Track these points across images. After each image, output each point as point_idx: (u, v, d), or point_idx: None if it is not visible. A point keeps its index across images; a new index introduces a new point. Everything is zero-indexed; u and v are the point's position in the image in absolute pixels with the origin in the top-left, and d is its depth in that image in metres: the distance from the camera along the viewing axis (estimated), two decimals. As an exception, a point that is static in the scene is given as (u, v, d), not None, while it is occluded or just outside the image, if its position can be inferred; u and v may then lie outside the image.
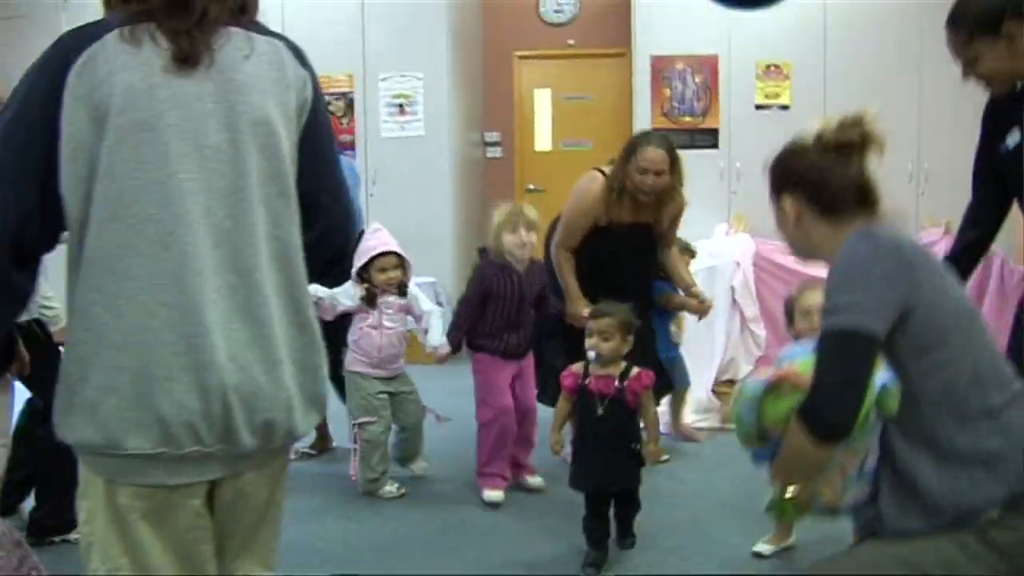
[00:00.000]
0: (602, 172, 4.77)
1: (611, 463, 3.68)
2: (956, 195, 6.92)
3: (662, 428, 5.37)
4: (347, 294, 4.48)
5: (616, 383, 3.67)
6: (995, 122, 3.09)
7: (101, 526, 1.77)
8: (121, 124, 1.68)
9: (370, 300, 4.53)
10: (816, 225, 2.16)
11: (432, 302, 4.83)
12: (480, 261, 4.68)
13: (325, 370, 1.92)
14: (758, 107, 7.43)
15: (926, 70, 7.19)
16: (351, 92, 8.04)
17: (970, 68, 2.87)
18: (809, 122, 2.22)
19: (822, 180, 2.14)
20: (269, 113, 1.79)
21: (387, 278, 4.51)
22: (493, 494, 4.44)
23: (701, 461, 5.07)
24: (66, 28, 1.80)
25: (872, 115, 2.17)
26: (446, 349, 4.54)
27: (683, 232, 7.06)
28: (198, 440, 1.72)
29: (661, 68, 7.63)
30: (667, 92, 7.61)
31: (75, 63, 1.70)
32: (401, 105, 7.96)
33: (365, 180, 7.94)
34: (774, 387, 2.01)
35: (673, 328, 5.26)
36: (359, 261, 4.45)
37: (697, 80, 7.59)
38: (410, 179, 7.96)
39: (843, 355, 1.93)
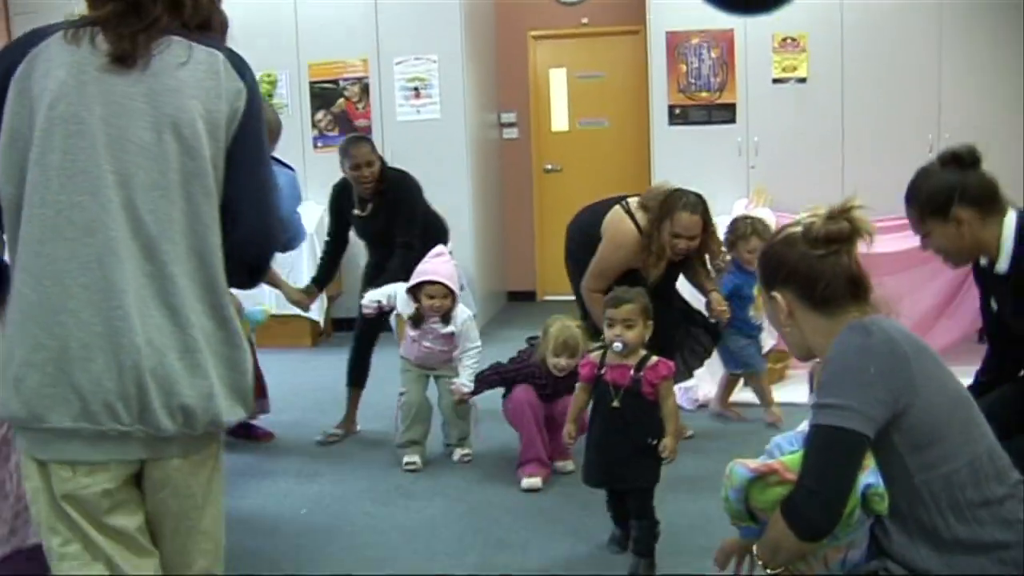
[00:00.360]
0: (629, 212, 4.84)
1: (624, 458, 3.51)
2: (977, 165, 6.99)
3: (710, 404, 5.47)
4: (404, 303, 4.80)
5: (632, 373, 3.53)
6: (982, 284, 3.27)
7: (44, 507, 1.88)
8: (53, 116, 1.81)
9: (416, 320, 4.79)
10: (809, 319, 2.17)
11: (477, 338, 4.91)
12: (525, 350, 4.77)
13: (248, 364, 1.97)
14: (775, 81, 7.39)
15: (945, 41, 7.14)
16: (366, 77, 8.04)
17: (927, 242, 3.02)
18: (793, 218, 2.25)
19: (812, 275, 2.14)
20: (194, 117, 1.86)
21: (430, 305, 4.69)
22: (530, 481, 4.45)
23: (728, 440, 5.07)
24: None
25: (858, 203, 2.16)
26: (468, 389, 4.76)
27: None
28: (116, 418, 1.81)
29: (676, 44, 7.60)
30: (683, 68, 7.57)
31: (24, 59, 1.85)
32: (416, 88, 7.95)
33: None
34: (761, 477, 2.05)
35: (752, 312, 5.18)
36: (413, 280, 4.68)
37: (713, 55, 7.55)
38: (427, 162, 7.91)
39: (830, 456, 1.97)
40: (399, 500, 4.38)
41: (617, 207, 4.93)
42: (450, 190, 7.86)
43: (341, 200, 5.49)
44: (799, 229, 2.18)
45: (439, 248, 4.90)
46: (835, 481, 1.95)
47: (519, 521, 4.05)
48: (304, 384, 5.22)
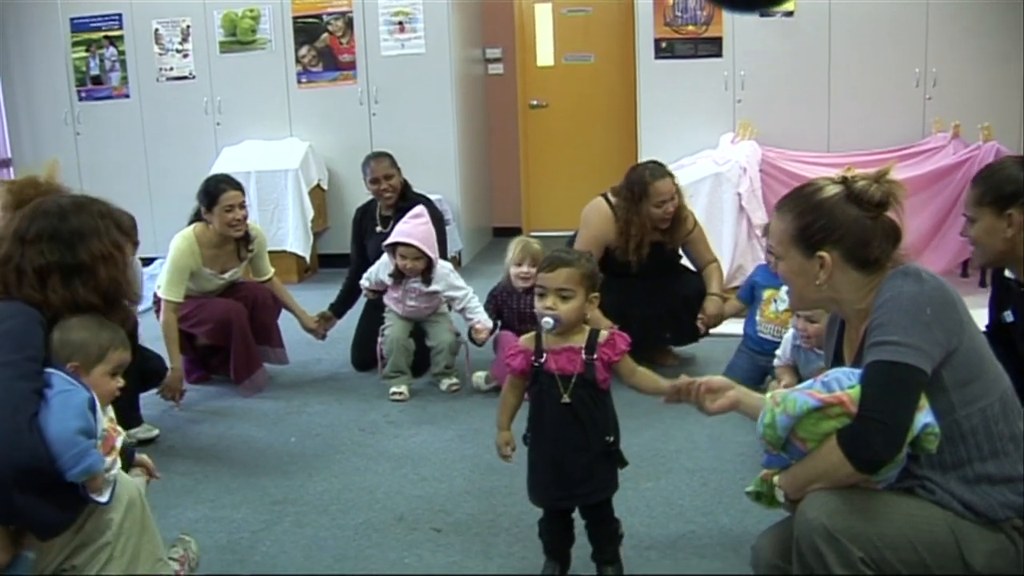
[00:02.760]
0: (606, 198, 4.96)
1: (584, 467, 2.80)
2: (963, 98, 7.00)
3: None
4: (385, 266, 4.91)
5: (583, 356, 2.79)
6: (998, 292, 3.24)
7: None
8: None
9: (396, 276, 4.88)
10: (849, 276, 2.23)
11: (462, 282, 5.00)
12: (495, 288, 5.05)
13: None
14: (762, 14, 7.33)
15: (933, -28, 7.12)
16: (350, 11, 7.97)
17: (968, 225, 2.95)
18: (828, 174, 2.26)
19: (866, 236, 2.20)
20: None
21: (403, 265, 4.80)
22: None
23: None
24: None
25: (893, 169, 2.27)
26: (490, 324, 4.86)
27: (687, 143, 7.12)
28: None
29: (663, -24, 7.55)
30: (669, 1, 7.53)
31: None
32: (401, 22, 7.88)
33: (368, 100, 7.93)
34: (824, 407, 2.07)
35: (760, 318, 4.94)
36: (389, 240, 4.83)
37: (700, -12, 7.51)
38: (412, 97, 7.93)
39: (892, 390, 2.03)
40: (387, 428, 4.43)
41: (596, 197, 5.05)
42: (435, 126, 7.88)
43: (363, 224, 5.58)
44: (840, 189, 2.24)
45: (418, 209, 4.96)
46: (899, 413, 2.02)
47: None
48: (287, 320, 5.25)
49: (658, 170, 4.84)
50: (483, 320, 4.84)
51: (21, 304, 2.40)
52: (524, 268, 4.77)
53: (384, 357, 4.97)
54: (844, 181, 2.26)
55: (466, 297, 4.89)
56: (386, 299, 5.01)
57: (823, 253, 2.21)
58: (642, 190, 4.77)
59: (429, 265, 4.80)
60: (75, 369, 2.38)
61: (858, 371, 2.10)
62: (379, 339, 5.01)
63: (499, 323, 4.93)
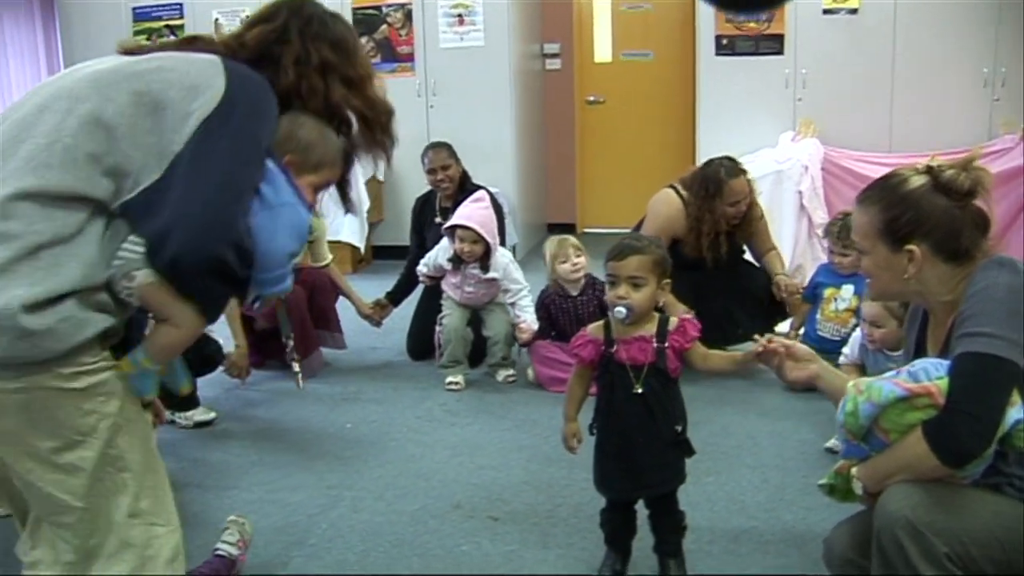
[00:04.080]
0: (676, 190, 4.91)
1: (654, 458, 2.76)
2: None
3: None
4: (445, 251, 4.90)
5: (655, 344, 2.73)
6: None
7: None
8: None
9: (455, 261, 4.85)
10: (938, 269, 2.16)
11: (522, 277, 4.96)
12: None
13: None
14: (825, 11, 7.22)
15: (1004, -30, 6.98)
16: (409, 3, 7.95)
17: None
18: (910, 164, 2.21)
19: (956, 227, 2.13)
20: None
21: (460, 248, 4.76)
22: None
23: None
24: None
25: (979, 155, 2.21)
26: (536, 327, 4.79)
27: (746, 141, 7.04)
28: None
29: (725, -28, 7.46)
30: (731, -5, 7.43)
31: None
32: (460, 15, 7.86)
33: (426, 92, 7.91)
34: (911, 398, 2.00)
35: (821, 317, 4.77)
36: (449, 222, 4.81)
37: (763, -16, 7.42)
38: (469, 91, 7.90)
39: (983, 383, 1.96)
40: (444, 417, 4.41)
41: (664, 188, 5.00)
42: (492, 119, 7.84)
43: (422, 215, 5.59)
44: (926, 180, 2.17)
45: (479, 193, 4.96)
46: (989, 407, 1.95)
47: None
48: (345, 308, 5.25)
49: (733, 168, 4.78)
50: (529, 321, 4.79)
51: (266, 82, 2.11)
52: (569, 264, 4.69)
53: (441, 346, 4.93)
54: (930, 171, 2.19)
55: (519, 293, 4.86)
56: (444, 285, 4.99)
57: (912, 246, 2.15)
58: (716, 188, 4.72)
59: (488, 251, 4.76)
60: (290, 164, 2.11)
61: (946, 362, 2.03)
62: (437, 328, 4.98)
63: (552, 332, 4.81)
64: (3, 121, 1.90)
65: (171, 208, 1.79)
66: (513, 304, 4.86)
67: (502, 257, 4.87)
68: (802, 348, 2.43)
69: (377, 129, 2.30)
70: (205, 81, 1.93)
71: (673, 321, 2.76)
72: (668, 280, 2.77)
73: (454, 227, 4.75)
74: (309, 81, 2.15)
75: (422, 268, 5.07)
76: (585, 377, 2.88)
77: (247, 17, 2.26)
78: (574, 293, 4.74)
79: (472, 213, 4.76)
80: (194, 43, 2.10)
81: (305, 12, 2.21)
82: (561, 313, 4.78)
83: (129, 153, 1.84)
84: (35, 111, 1.88)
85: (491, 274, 4.81)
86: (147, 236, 1.82)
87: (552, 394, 4.55)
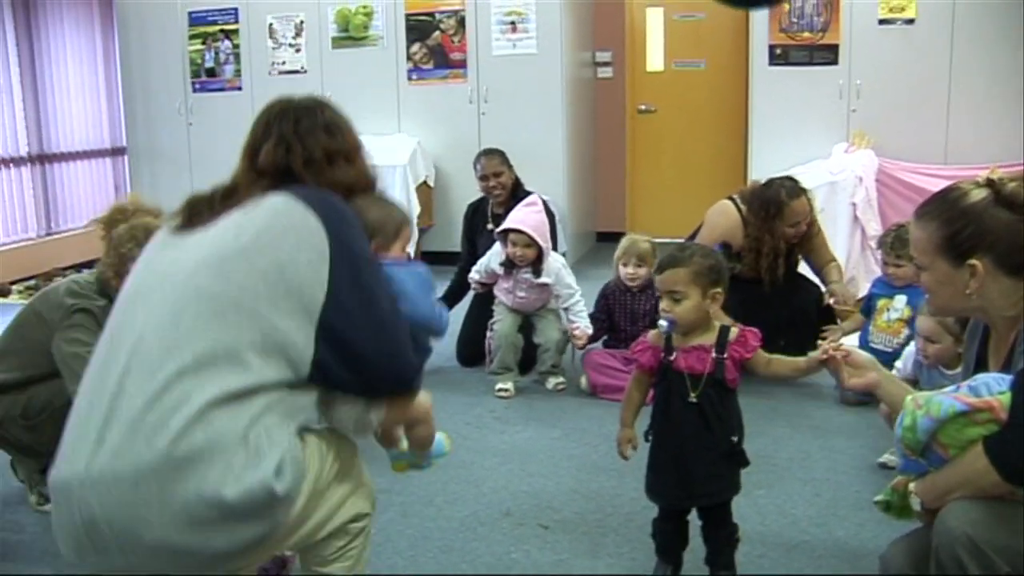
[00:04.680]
0: (735, 202, 4.92)
1: (707, 468, 2.77)
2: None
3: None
4: (497, 255, 4.92)
5: (713, 355, 2.74)
6: None
7: None
8: None
9: (507, 266, 4.87)
10: (1000, 283, 2.13)
11: (574, 281, 4.95)
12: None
13: None
14: (881, 21, 7.15)
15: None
16: (462, 10, 7.99)
17: None
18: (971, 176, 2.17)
19: (1018, 241, 2.10)
20: None
21: (512, 252, 4.76)
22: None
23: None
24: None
25: None
26: (591, 331, 4.80)
27: (798, 152, 7.00)
28: None
29: (780, -18, 7.43)
30: (786, 6, 7.38)
31: None
32: (513, 22, 7.88)
33: (478, 99, 7.94)
34: (971, 412, 1.97)
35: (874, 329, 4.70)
36: (502, 226, 4.82)
37: (818, -6, 7.37)
38: (522, 98, 7.91)
39: None
40: (493, 424, 4.42)
41: (723, 199, 5.01)
42: (544, 127, 7.85)
43: (474, 221, 5.61)
44: (987, 193, 2.14)
45: (532, 197, 4.97)
46: None
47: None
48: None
49: (794, 189, 4.76)
50: (583, 326, 4.79)
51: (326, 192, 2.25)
52: (630, 269, 4.79)
53: (492, 352, 4.95)
54: (991, 184, 2.16)
55: (572, 297, 4.85)
56: (496, 290, 5.00)
57: (974, 261, 2.12)
58: (777, 210, 4.71)
59: (540, 255, 4.77)
60: (377, 248, 2.38)
61: (1008, 377, 2.00)
62: (488, 333, 5.01)
63: (606, 325, 4.90)
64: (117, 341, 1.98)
65: (359, 357, 2.02)
66: (567, 309, 4.86)
67: (554, 262, 4.87)
68: (862, 355, 2.41)
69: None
70: (301, 223, 2.04)
71: (734, 331, 2.77)
72: (718, 290, 2.77)
73: (507, 231, 4.76)
74: (323, 175, 2.25)
75: (474, 275, 5.08)
76: (643, 383, 2.91)
77: (242, 149, 2.34)
78: (635, 290, 4.83)
79: (525, 217, 4.77)
80: (234, 195, 2.16)
81: (289, 114, 2.31)
82: (619, 307, 4.87)
83: (283, 327, 1.96)
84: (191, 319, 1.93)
85: (543, 279, 4.81)
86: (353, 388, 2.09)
87: (603, 402, 4.57)
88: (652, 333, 2.87)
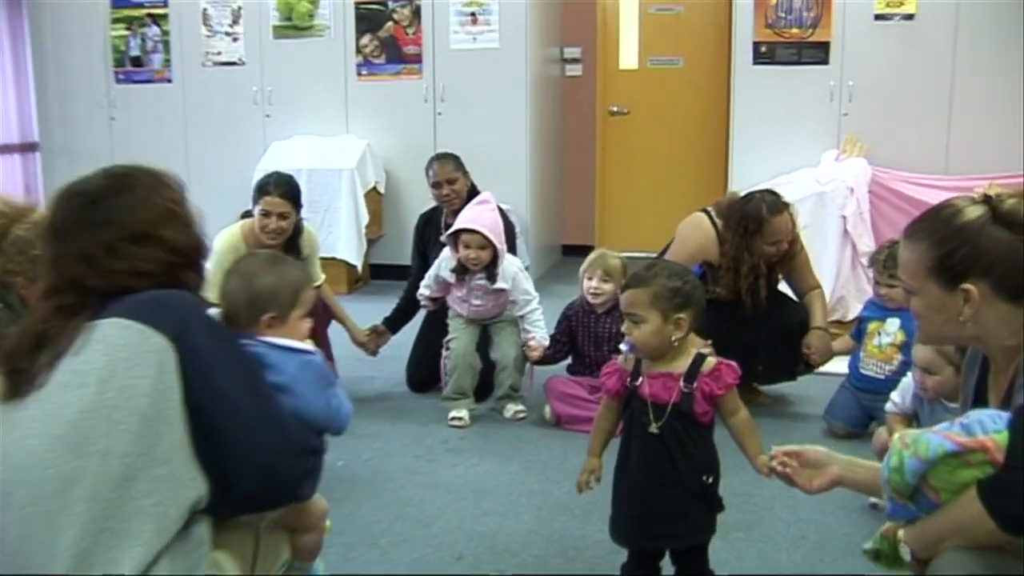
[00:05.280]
0: (709, 216, 4.91)
1: (670, 507, 2.76)
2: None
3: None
4: (448, 261, 4.88)
5: (681, 384, 2.75)
6: None
7: None
8: None
9: (459, 271, 4.82)
10: (997, 309, 2.10)
11: (532, 287, 4.97)
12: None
13: None
14: (878, 17, 7.21)
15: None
16: (418, -1, 8.00)
17: None
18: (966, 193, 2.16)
19: (1017, 263, 2.07)
20: None
21: (465, 256, 4.74)
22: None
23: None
24: None
25: None
26: (547, 343, 4.86)
27: (784, 159, 7.03)
28: None
29: (766, -27, 7.48)
30: (772, 0, 7.44)
31: None
32: (473, 14, 7.88)
33: (434, 97, 7.93)
34: (963, 453, 1.95)
35: (866, 355, 4.68)
36: (452, 228, 4.80)
37: (807, -14, 7.43)
38: (481, 96, 7.92)
39: None
40: (445, 457, 4.39)
41: (696, 212, 5.00)
42: (506, 129, 7.86)
43: (425, 234, 5.56)
44: (983, 211, 2.12)
45: (484, 195, 4.93)
46: None
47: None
48: (337, 333, 5.22)
49: (776, 204, 4.74)
50: (539, 337, 4.82)
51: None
52: (594, 282, 4.78)
53: (447, 373, 4.93)
54: (988, 200, 2.13)
55: (529, 305, 4.87)
56: (450, 300, 5.00)
57: (968, 285, 2.09)
58: (757, 226, 4.68)
59: (495, 258, 4.75)
60: (272, 323, 2.35)
61: (1006, 414, 1.98)
62: (443, 352, 4.99)
63: (567, 348, 4.92)
64: None
65: (228, 474, 2.01)
66: (523, 318, 4.86)
67: (510, 265, 4.85)
68: (814, 452, 2.38)
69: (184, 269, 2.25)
70: (140, 346, 1.97)
71: (709, 362, 2.77)
72: (681, 315, 2.74)
73: (457, 233, 4.73)
74: (138, 271, 2.12)
75: (423, 291, 5.06)
76: (613, 410, 2.93)
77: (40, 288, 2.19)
78: (599, 310, 4.82)
79: (477, 216, 4.75)
80: (48, 340, 2.04)
81: (53, 223, 2.19)
82: (581, 328, 4.87)
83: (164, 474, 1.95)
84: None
85: (499, 284, 4.80)
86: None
87: (567, 434, 4.56)
88: (623, 357, 2.88)
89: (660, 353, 2.77)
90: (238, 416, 2.02)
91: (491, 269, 4.77)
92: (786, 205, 4.77)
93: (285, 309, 2.38)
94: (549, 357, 4.89)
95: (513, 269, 4.86)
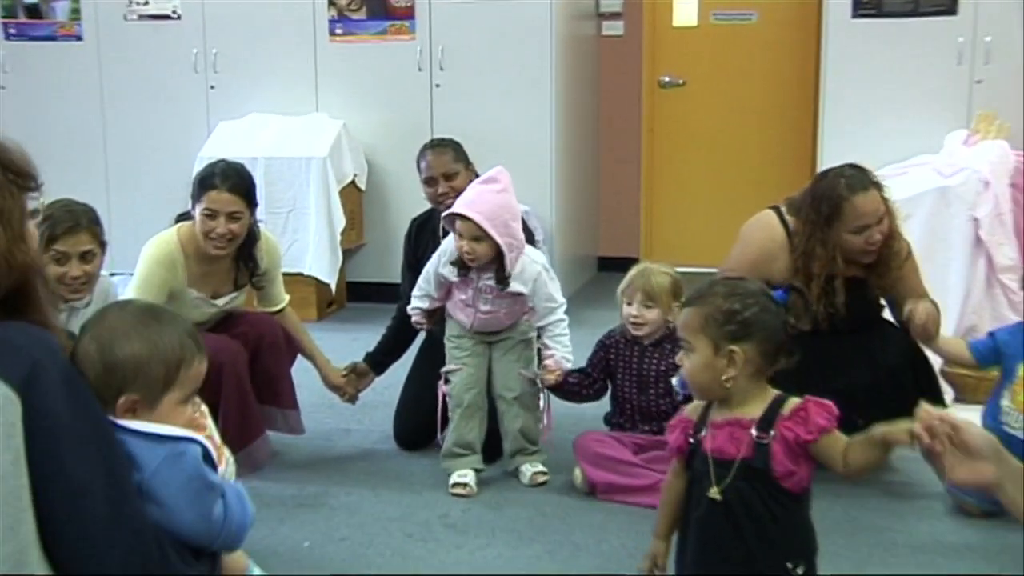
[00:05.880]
0: (780, 214, 4.90)
1: None
2: None
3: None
4: (449, 254, 4.78)
5: (753, 433, 2.73)
6: None
7: None
8: None
9: (461, 266, 4.74)
10: None
11: (558, 292, 4.89)
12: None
13: None
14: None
15: None
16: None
17: None
18: None
19: None
20: None
21: (459, 246, 4.67)
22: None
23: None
24: None
25: None
26: (569, 364, 4.78)
27: (894, 143, 6.99)
28: None
29: None
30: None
31: None
32: (481, -46, 7.90)
33: (430, 64, 7.93)
34: None
35: (1008, 403, 4.79)
36: (451, 209, 4.72)
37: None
38: (492, 63, 7.92)
39: None
40: (445, 536, 4.35)
41: (765, 209, 5.00)
42: (523, 105, 7.87)
43: (419, 243, 5.51)
44: None
45: (495, 171, 4.81)
46: None
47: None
48: (306, 371, 5.21)
49: (858, 179, 4.67)
50: (560, 357, 4.74)
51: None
52: (634, 309, 4.73)
53: (449, 410, 4.86)
54: None
55: (552, 314, 4.79)
56: (450, 307, 4.93)
57: None
58: (833, 209, 4.61)
59: (500, 258, 4.65)
60: (135, 404, 2.28)
61: None
62: (440, 388, 4.89)
63: (598, 387, 4.88)
64: None
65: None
66: (543, 329, 4.80)
67: (532, 264, 4.76)
68: (979, 435, 2.34)
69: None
70: None
71: (792, 402, 2.75)
72: (735, 348, 2.73)
73: (454, 217, 4.66)
74: None
75: (417, 303, 4.97)
76: (681, 476, 2.91)
77: None
78: (645, 342, 4.76)
79: (476, 198, 4.66)
80: None
81: None
82: (622, 364, 4.81)
83: None
84: None
85: (515, 287, 4.72)
86: None
87: (606, 505, 4.51)
88: (692, 407, 2.89)
89: (712, 394, 2.78)
90: (83, 511, 1.98)
91: (498, 270, 4.69)
92: (874, 181, 4.69)
93: (154, 390, 2.31)
94: (572, 389, 4.82)
95: (535, 268, 4.76)
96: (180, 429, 2.28)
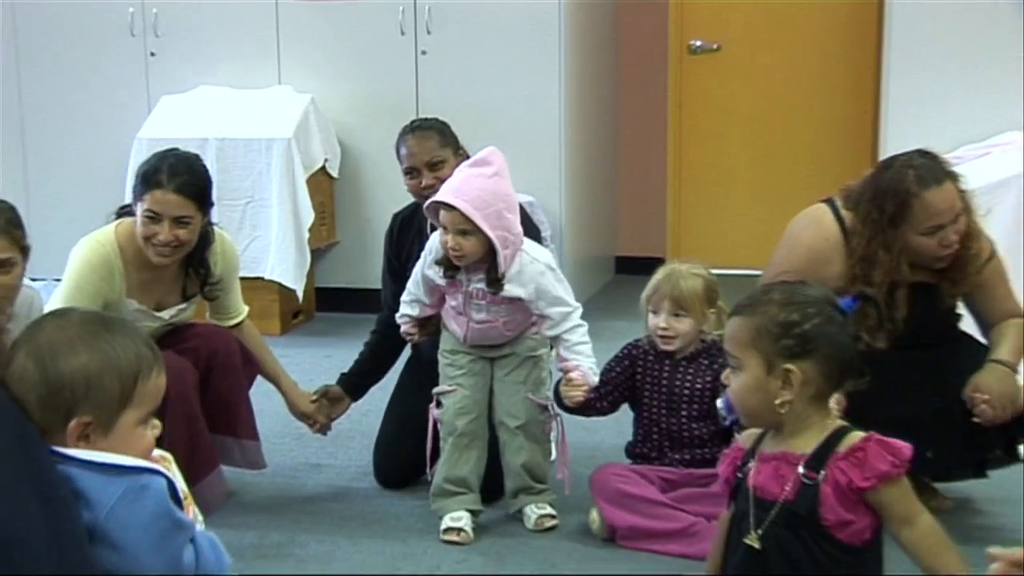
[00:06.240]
0: (834, 208, 4.83)
1: None
2: None
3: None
4: (436, 251, 4.76)
5: (801, 472, 2.77)
6: None
7: None
8: None
9: (448, 266, 4.71)
10: None
11: (569, 294, 4.84)
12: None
13: None
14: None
15: None
16: None
17: None
18: None
19: None
20: None
21: (443, 241, 4.63)
22: None
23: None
24: None
25: None
26: (595, 378, 4.73)
27: (971, 120, 6.98)
28: None
29: None
30: None
31: None
32: None
33: (414, 27, 7.91)
34: None
35: None
36: (435, 197, 4.69)
37: None
38: (490, 25, 7.90)
39: None
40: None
41: (817, 203, 4.95)
42: (527, 77, 7.86)
43: (402, 242, 5.49)
44: None
45: (486, 152, 4.77)
46: None
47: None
48: (268, 395, 5.18)
49: (930, 170, 4.59)
50: (584, 368, 4.69)
51: None
52: (661, 319, 4.72)
53: (441, 436, 4.83)
54: None
55: (567, 320, 4.73)
56: (444, 315, 4.91)
57: None
58: (900, 207, 4.55)
59: (492, 255, 4.61)
60: (82, 431, 2.27)
61: None
62: (431, 412, 4.87)
63: (616, 397, 4.83)
64: None
65: None
66: (558, 339, 4.75)
67: (532, 262, 4.71)
68: None
69: None
70: None
71: (852, 437, 2.78)
72: (791, 367, 2.75)
73: (437, 207, 4.62)
74: None
75: (406, 309, 4.95)
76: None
77: None
78: (677, 356, 4.74)
79: (464, 183, 4.61)
80: None
81: None
82: (649, 380, 4.78)
83: None
84: None
85: (512, 290, 4.68)
86: None
87: (628, 553, 4.49)
88: (748, 434, 2.92)
89: (763, 421, 2.84)
90: (20, 566, 1.97)
91: (489, 270, 4.64)
92: (949, 172, 4.63)
93: (108, 409, 2.30)
94: (591, 405, 4.77)
95: (537, 268, 4.71)
96: (140, 459, 2.28)
